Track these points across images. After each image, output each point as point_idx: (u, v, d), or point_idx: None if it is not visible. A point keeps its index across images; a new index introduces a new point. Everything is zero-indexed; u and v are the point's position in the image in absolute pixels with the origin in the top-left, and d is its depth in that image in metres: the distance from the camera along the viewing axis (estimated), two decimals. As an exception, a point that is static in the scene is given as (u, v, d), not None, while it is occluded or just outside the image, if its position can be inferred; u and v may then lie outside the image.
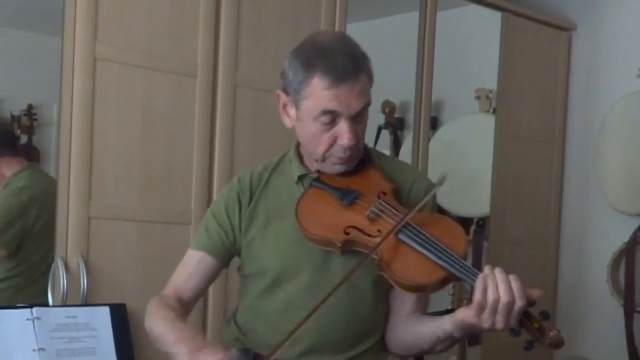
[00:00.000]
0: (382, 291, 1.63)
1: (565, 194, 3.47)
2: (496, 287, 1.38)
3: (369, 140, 1.78)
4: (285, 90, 1.60)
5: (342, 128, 1.53)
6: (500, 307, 1.38)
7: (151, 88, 2.25)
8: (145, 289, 2.22)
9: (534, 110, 3.33)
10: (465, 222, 3.32)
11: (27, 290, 2.38)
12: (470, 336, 2.84)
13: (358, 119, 1.55)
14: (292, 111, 1.60)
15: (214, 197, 2.36)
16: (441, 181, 1.58)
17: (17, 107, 2.71)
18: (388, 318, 1.67)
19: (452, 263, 1.45)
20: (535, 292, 1.40)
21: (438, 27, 2.95)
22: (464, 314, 1.42)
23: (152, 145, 2.26)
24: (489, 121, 3.25)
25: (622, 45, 3.31)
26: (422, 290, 1.49)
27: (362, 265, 1.48)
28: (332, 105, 1.51)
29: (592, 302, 3.29)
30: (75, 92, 2.11)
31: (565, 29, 3.42)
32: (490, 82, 3.25)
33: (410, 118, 3.09)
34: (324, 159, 1.58)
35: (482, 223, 3.21)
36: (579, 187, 3.44)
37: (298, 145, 1.69)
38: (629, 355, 3.00)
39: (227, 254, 1.68)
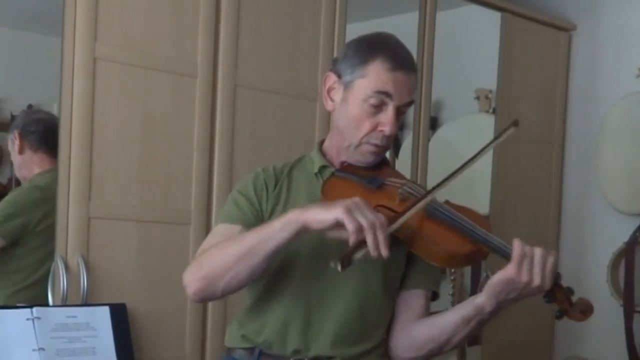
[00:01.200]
0: (392, 288, 1.64)
1: (565, 194, 3.47)
2: (532, 247, 1.44)
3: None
4: (337, 73, 1.64)
5: (389, 114, 1.59)
6: (537, 259, 1.42)
7: (151, 88, 2.25)
8: (145, 289, 2.23)
9: (534, 110, 3.33)
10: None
11: (26, 291, 2.38)
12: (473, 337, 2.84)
13: (399, 115, 1.61)
14: (337, 94, 1.64)
15: (214, 197, 2.36)
16: (516, 122, 1.66)
17: (17, 107, 2.71)
18: (394, 325, 1.66)
19: (484, 236, 1.49)
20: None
21: (438, 27, 2.95)
22: (502, 273, 1.44)
23: (152, 145, 2.26)
24: (489, 121, 3.25)
25: (621, 45, 3.31)
26: (452, 262, 1.55)
27: (406, 217, 1.49)
28: (388, 87, 1.58)
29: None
30: (75, 92, 2.11)
31: (564, 29, 3.42)
32: (490, 82, 3.25)
33: (410, 118, 3.08)
34: (360, 143, 1.62)
35: (482, 223, 3.21)
36: (579, 187, 3.44)
37: (321, 143, 1.73)
38: (629, 355, 3.00)
39: None
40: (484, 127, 3.26)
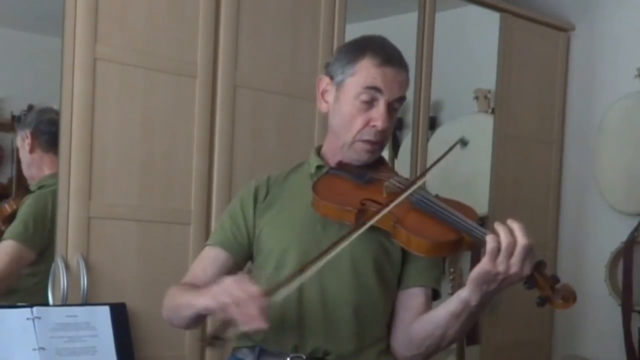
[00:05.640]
0: (389, 286, 1.64)
1: (564, 194, 3.48)
2: (509, 232, 1.41)
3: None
4: (329, 75, 1.69)
5: (380, 110, 1.62)
6: (514, 248, 1.40)
7: (151, 88, 2.26)
8: (145, 289, 2.24)
9: (533, 110, 3.34)
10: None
11: (37, 294, 2.35)
12: (470, 336, 2.85)
13: (391, 111, 1.65)
14: (330, 95, 1.68)
15: (214, 197, 2.37)
16: (465, 141, 1.61)
17: (17, 107, 2.71)
18: (393, 324, 1.66)
19: (466, 225, 1.49)
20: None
21: (437, 28, 2.95)
22: (478, 266, 1.42)
23: (152, 145, 2.26)
24: (488, 121, 3.26)
25: (620, 46, 3.32)
26: (436, 251, 1.52)
27: (378, 217, 1.51)
28: (377, 82, 1.61)
29: (590, 301, 3.29)
30: (75, 93, 2.11)
31: (563, 29, 3.43)
32: (489, 82, 3.26)
33: (409, 118, 3.09)
34: (353, 141, 1.65)
35: (480, 224, 3.21)
36: (577, 187, 3.44)
37: (319, 148, 1.76)
38: (627, 354, 3.01)
39: (240, 250, 1.71)
40: (483, 127, 3.26)
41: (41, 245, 2.35)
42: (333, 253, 1.48)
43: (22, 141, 2.48)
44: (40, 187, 2.44)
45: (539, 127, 3.37)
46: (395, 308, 1.67)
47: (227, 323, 1.44)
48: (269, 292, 1.44)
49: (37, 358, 1.90)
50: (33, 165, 2.48)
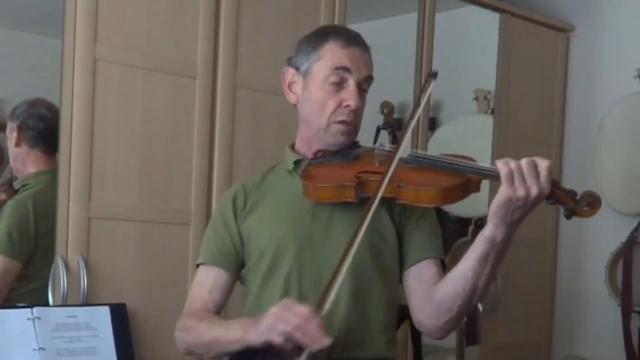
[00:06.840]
0: (384, 267, 1.63)
1: (563, 194, 3.47)
2: (517, 161, 1.42)
3: (368, 140, 1.79)
4: (294, 66, 1.68)
5: (350, 89, 1.62)
6: (526, 169, 1.40)
7: (151, 89, 2.26)
8: (145, 289, 2.24)
9: (532, 111, 3.34)
10: (463, 222, 3.33)
11: (29, 295, 2.34)
12: (469, 336, 2.85)
13: (361, 92, 1.64)
14: (298, 86, 1.68)
15: (214, 197, 2.37)
16: (434, 72, 1.64)
17: (17, 108, 2.71)
18: (413, 303, 1.63)
19: (468, 166, 1.50)
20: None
21: (437, 28, 2.95)
22: (498, 196, 1.41)
23: (152, 145, 2.27)
24: (487, 122, 3.26)
25: (619, 46, 3.32)
26: (446, 198, 1.51)
27: (385, 182, 1.50)
28: (345, 62, 1.62)
29: (589, 302, 3.30)
30: (76, 93, 2.12)
31: (563, 30, 3.43)
32: (489, 83, 3.26)
33: (408, 119, 3.09)
34: (328, 124, 1.64)
35: (480, 223, 3.22)
36: (577, 187, 3.40)
37: (292, 145, 1.75)
38: (627, 354, 3.01)
39: (234, 261, 1.71)
40: (483, 127, 3.27)
41: (27, 253, 2.33)
42: (360, 235, 1.46)
43: (10, 133, 2.44)
44: (24, 186, 2.41)
45: (539, 127, 3.37)
46: (410, 288, 1.64)
47: (296, 349, 1.42)
48: (319, 306, 1.43)
49: (37, 358, 1.90)
50: (18, 159, 2.45)
